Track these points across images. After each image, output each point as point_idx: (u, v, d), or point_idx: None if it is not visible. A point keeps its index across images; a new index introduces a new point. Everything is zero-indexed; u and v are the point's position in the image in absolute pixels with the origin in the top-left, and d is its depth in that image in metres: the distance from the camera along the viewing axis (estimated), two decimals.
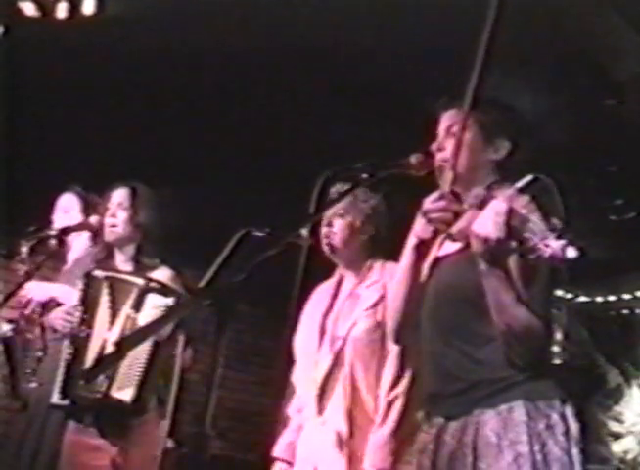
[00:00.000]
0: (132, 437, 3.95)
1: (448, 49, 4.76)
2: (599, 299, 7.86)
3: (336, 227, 3.82)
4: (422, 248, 2.78)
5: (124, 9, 5.08)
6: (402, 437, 3.54)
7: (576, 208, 2.41)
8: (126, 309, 4.00)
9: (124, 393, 3.87)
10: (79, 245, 4.53)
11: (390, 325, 2.97)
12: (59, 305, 4.20)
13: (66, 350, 4.01)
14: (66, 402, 3.95)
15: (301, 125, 5.96)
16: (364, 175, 2.78)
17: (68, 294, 4.17)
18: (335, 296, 3.91)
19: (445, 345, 2.70)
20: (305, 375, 3.75)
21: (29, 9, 5.18)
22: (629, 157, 6.08)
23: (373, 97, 5.56)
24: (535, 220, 2.27)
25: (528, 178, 2.52)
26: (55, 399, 3.96)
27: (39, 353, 4.24)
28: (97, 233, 4.38)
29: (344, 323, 3.76)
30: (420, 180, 2.83)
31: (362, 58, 5.25)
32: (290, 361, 3.80)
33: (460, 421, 2.62)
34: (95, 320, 4.04)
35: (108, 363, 2.93)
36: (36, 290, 4.29)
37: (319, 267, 3.90)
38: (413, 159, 2.83)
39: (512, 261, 2.53)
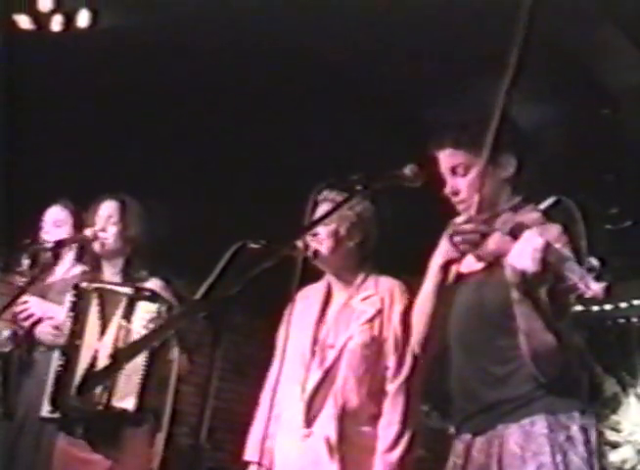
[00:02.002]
0: (126, 449, 3.94)
1: (445, 61, 4.80)
2: (595, 308, 7.86)
3: (322, 235, 3.81)
4: (448, 267, 2.88)
5: (118, 22, 5.09)
6: (409, 462, 3.60)
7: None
8: (117, 319, 4.00)
9: (127, 402, 3.87)
10: (68, 260, 4.53)
11: (417, 338, 3.07)
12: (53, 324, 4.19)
13: (55, 362, 4.01)
14: (56, 415, 3.94)
15: (296, 137, 5.96)
16: (358, 187, 2.78)
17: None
18: (325, 304, 3.90)
19: (472, 364, 2.85)
20: (292, 384, 3.72)
21: (24, 22, 5.20)
22: (625, 166, 6.10)
23: (367, 108, 5.57)
24: (572, 260, 2.36)
25: (551, 200, 2.69)
26: (44, 411, 3.95)
27: (28, 367, 4.24)
28: (84, 248, 4.38)
29: (338, 335, 3.75)
30: (412, 190, 2.86)
31: (358, 69, 5.26)
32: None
33: (486, 436, 2.76)
34: (85, 331, 4.03)
35: (103, 377, 2.92)
36: (38, 307, 4.29)
37: (314, 279, 3.92)
38: (407, 170, 2.82)
39: (543, 291, 2.62)
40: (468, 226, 2.70)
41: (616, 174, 6.25)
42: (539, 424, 2.64)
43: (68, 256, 4.53)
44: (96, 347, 3.99)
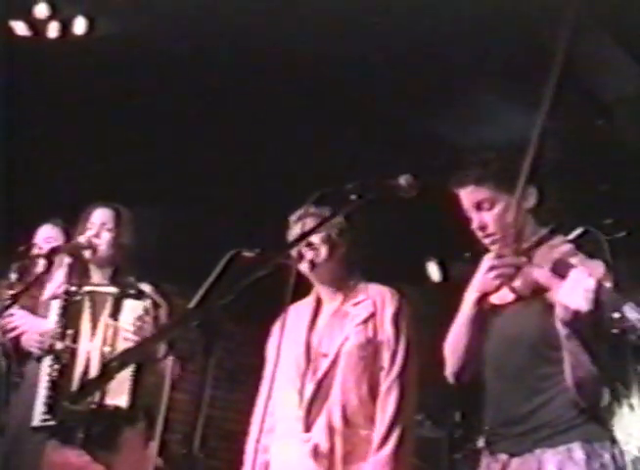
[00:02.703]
0: (119, 456, 3.93)
1: (441, 72, 4.80)
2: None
3: (317, 242, 3.83)
4: (483, 300, 2.94)
5: (115, 29, 5.10)
6: (401, 459, 3.61)
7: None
8: (104, 318, 4.04)
9: (119, 399, 3.91)
10: (59, 277, 4.51)
11: (451, 368, 3.12)
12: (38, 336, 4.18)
13: (46, 369, 4.01)
14: (51, 423, 3.92)
15: (291, 145, 5.97)
16: (353, 196, 2.78)
17: None
18: (316, 314, 3.92)
19: (511, 389, 2.93)
20: (288, 392, 3.74)
21: (21, 29, 5.20)
22: (619, 176, 6.11)
23: (362, 117, 5.57)
24: (629, 301, 2.44)
25: (579, 231, 2.79)
26: (37, 421, 3.93)
27: (17, 379, 4.23)
28: (76, 263, 4.37)
29: (332, 341, 3.77)
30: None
31: (355, 78, 5.26)
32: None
33: (523, 458, 2.84)
34: (80, 335, 4.05)
35: (95, 387, 2.91)
36: (23, 320, 4.26)
37: (308, 287, 3.92)
38: (402, 180, 2.81)
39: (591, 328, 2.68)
40: (504, 261, 2.78)
41: (610, 184, 6.26)
42: (577, 451, 2.74)
43: (59, 272, 4.51)
44: (88, 349, 4.02)
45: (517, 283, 2.82)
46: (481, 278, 2.86)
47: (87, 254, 4.26)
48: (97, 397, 3.88)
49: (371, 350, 3.73)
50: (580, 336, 2.66)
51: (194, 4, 4.98)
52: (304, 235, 3.28)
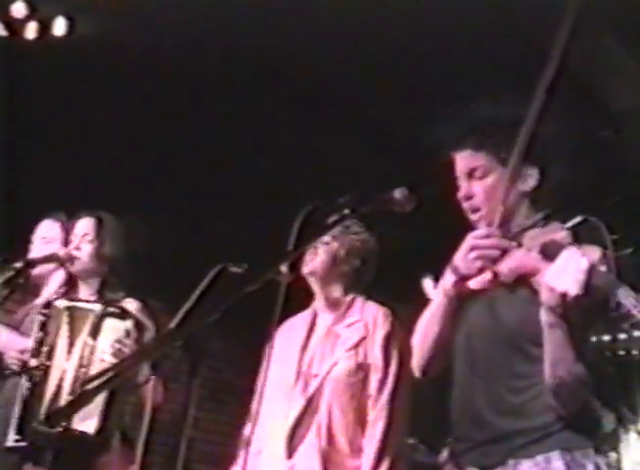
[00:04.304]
0: None
1: (439, 78, 4.82)
2: (593, 339, 7.88)
3: (320, 250, 3.87)
4: (460, 285, 2.76)
5: (96, 29, 5.10)
6: None
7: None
8: (83, 337, 4.00)
9: (87, 424, 3.81)
10: (56, 280, 4.52)
11: (418, 360, 2.97)
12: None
13: (22, 387, 4.00)
14: (23, 443, 3.91)
15: (283, 157, 5.98)
16: (346, 210, 2.78)
17: None
18: (310, 331, 3.94)
19: (483, 389, 2.76)
20: (274, 413, 3.74)
21: None
22: (627, 190, 6.12)
23: (358, 127, 5.59)
24: (625, 287, 2.33)
25: (577, 219, 2.59)
26: (10, 441, 3.92)
27: None
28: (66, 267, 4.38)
29: (322, 363, 3.79)
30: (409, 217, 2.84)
31: (348, 87, 5.29)
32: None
33: None
34: (55, 352, 4.03)
35: (70, 410, 2.90)
36: (6, 339, 4.28)
37: (298, 304, 3.94)
38: (397, 193, 2.80)
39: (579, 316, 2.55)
40: (488, 241, 2.62)
41: (617, 198, 6.27)
42: (555, 462, 2.60)
43: (57, 276, 4.52)
44: (64, 367, 3.99)
45: (500, 268, 2.60)
46: (461, 259, 2.68)
47: (70, 266, 4.28)
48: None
49: (361, 376, 3.74)
50: (566, 325, 2.50)
51: (177, 3, 5.00)
52: (297, 249, 3.26)
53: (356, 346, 3.78)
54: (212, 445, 7.86)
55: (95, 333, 4.00)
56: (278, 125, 5.65)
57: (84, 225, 4.33)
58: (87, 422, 3.81)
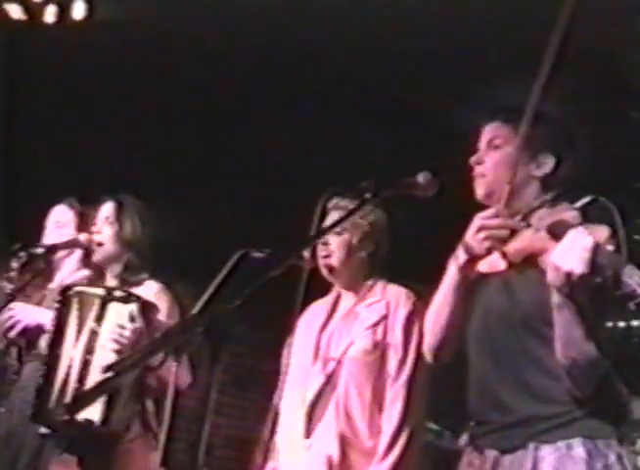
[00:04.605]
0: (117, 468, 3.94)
1: (461, 63, 4.80)
2: (622, 324, 7.84)
3: (333, 245, 3.86)
4: (469, 266, 2.76)
5: (115, 14, 5.11)
6: None
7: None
8: (90, 323, 4.01)
9: (91, 413, 3.79)
10: (69, 265, 4.56)
11: (428, 343, 2.98)
12: (43, 330, 4.22)
13: (38, 372, 4.03)
14: (47, 430, 3.94)
15: (304, 142, 5.98)
16: (368, 195, 2.77)
17: None
18: (331, 314, 3.95)
19: (500, 371, 2.75)
20: (294, 394, 3.75)
21: (16, 12, 5.21)
22: None
23: (379, 112, 5.58)
24: (631, 265, 2.30)
25: (587, 199, 2.57)
26: (43, 428, 3.96)
27: (14, 377, 4.28)
28: (87, 251, 4.41)
29: (340, 342, 3.79)
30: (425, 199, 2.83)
31: (371, 71, 5.27)
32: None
33: (515, 455, 2.67)
34: (65, 339, 4.05)
35: (92, 396, 2.90)
36: (24, 313, 4.32)
37: (321, 289, 3.96)
38: (421, 178, 2.80)
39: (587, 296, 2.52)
40: (496, 221, 2.60)
41: None
42: (577, 449, 2.58)
43: (70, 260, 4.56)
44: (71, 355, 4.00)
45: (510, 248, 2.58)
46: (470, 240, 2.65)
47: (94, 255, 4.31)
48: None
49: (378, 354, 3.73)
50: (574, 304, 2.48)
51: None
52: (320, 233, 3.25)
53: (375, 325, 3.77)
54: (236, 430, 7.90)
55: (100, 318, 4.00)
56: (302, 111, 5.64)
57: (106, 209, 4.36)
58: (91, 411, 3.78)
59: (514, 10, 4.59)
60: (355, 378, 3.72)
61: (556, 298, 2.50)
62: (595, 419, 2.62)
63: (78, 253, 4.53)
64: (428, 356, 3.02)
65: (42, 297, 4.47)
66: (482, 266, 2.77)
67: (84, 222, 4.55)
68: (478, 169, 2.90)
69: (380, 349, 3.73)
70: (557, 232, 2.45)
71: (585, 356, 2.55)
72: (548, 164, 2.83)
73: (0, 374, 4.34)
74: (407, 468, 3.62)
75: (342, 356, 3.75)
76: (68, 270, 4.55)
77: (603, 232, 2.42)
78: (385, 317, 3.77)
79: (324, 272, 3.88)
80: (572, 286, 2.40)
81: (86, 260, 4.49)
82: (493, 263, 2.75)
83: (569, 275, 2.36)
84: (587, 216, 2.51)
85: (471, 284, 2.80)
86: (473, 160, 2.92)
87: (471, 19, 4.69)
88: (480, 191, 2.89)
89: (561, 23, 2.62)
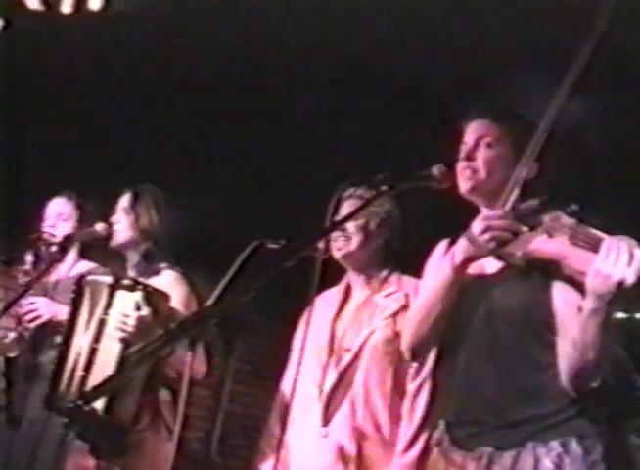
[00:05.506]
0: (130, 459, 3.99)
1: (477, 57, 4.79)
2: (638, 315, 7.83)
3: (351, 229, 3.88)
4: (465, 266, 2.79)
5: (133, 5, 5.12)
6: (426, 465, 3.63)
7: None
8: (98, 311, 4.06)
9: (96, 402, 3.82)
10: (71, 257, 4.59)
11: (410, 342, 3.03)
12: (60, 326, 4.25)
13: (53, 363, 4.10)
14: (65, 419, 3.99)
15: (320, 134, 5.98)
16: (383, 187, 2.80)
17: None
18: (343, 303, 3.96)
19: (495, 373, 2.79)
20: (308, 384, 3.78)
21: (33, 2, 5.23)
22: None
23: (395, 104, 5.58)
24: None
25: (575, 206, 2.59)
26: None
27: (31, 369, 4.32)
28: (88, 244, 4.45)
29: (359, 332, 3.82)
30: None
31: (386, 62, 5.27)
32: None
33: (513, 452, 2.71)
34: (76, 328, 4.11)
35: (106, 387, 2.93)
36: (47, 308, 4.35)
37: (335, 280, 3.98)
38: (436, 170, 2.85)
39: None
40: (504, 222, 2.61)
41: None
42: (573, 445, 2.65)
43: (71, 252, 4.60)
44: (80, 344, 4.06)
45: (513, 250, 2.63)
46: (474, 240, 2.66)
47: (111, 241, 4.35)
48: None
49: (398, 344, 3.75)
50: (608, 312, 2.49)
51: None
52: (336, 224, 3.27)
53: (395, 314, 3.80)
54: (251, 419, 7.93)
55: (107, 306, 4.05)
56: (319, 102, 5.64)
57: (124, 200, 4.39)
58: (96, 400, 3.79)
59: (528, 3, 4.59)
60: (375, 367, 3.75)
61: (591, 303, 2.50)
62: (584, 419, 2.69)
63: (77, 245, 4.56)
64: (406, 355, 3.07)
65: (45, 288, 4.50)
66: (472, 268, 2.81)
67: (84, 215, 4.59)
68: (467, 164, 2.91)
69: (400, 338, 3.75)
70: (580, 241, 2.48)
71: (592, 363, 2.58)
72: (532, 170, 2.81)
73: (9, 370, 4.38)
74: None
75: (363, 345, 3.77)
76: (71, 262, 4.59)
77: (633, 243, 2.45)
78: (404, 308, 3.80)
79: (339, 258, 3.90)
80: (617, 294, 2.44)
81: (86, 252, 4.53)
82: (481, 266, 2.82)
83: (619, 284, 2.41)
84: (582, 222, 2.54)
85: (461, 285, 2.83)
86: (462, 155, 2.92)
87: (487, 10, 4.68)
88: (466, 185, 2.91)
89: (598, 28, 2.63)
